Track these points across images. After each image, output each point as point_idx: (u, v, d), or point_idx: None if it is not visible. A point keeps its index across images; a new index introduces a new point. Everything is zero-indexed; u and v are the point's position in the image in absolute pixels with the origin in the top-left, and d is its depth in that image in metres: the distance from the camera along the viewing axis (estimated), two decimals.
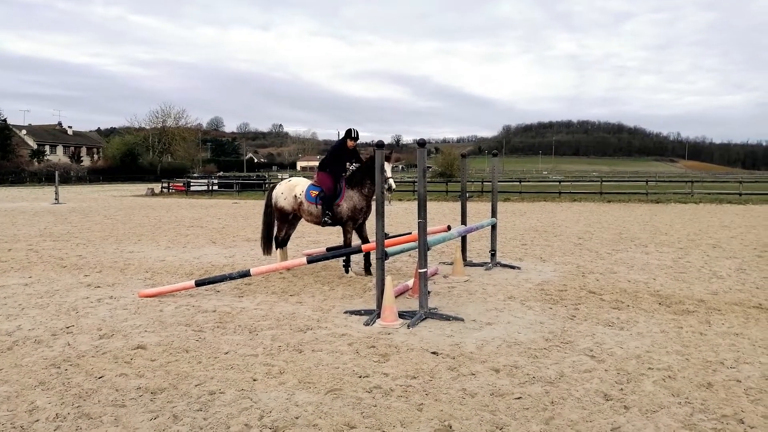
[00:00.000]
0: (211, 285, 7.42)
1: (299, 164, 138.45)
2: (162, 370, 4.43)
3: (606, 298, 6.85)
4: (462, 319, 5.81)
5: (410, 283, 7.22)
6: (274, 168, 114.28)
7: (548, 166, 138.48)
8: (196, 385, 4.11)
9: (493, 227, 9.23)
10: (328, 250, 9.15)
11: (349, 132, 8.56)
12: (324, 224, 8.39)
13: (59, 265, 9.44)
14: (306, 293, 7.22)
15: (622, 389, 4.02)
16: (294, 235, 11.03)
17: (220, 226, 16.45)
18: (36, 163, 73.17)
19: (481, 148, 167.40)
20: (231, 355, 4.81)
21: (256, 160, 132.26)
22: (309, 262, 7.57)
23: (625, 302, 6.63)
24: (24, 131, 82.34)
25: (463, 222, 9.19)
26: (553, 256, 10.16)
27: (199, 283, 7.23)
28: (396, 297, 6.10)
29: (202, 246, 12.01)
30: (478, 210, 19.75)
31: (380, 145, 6.24)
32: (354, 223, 8.37)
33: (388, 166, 7.49)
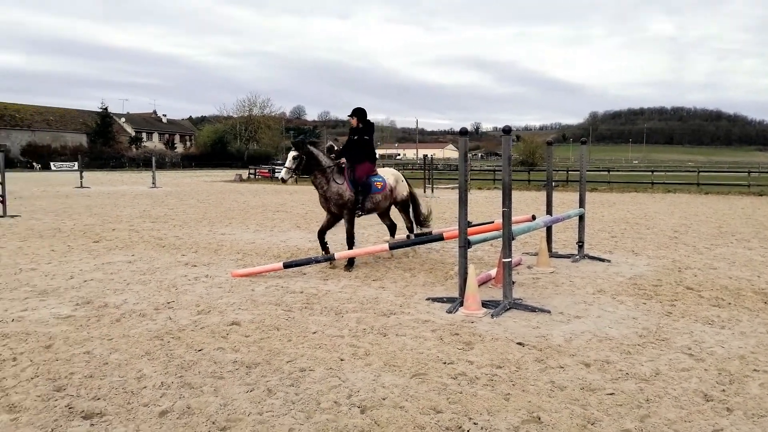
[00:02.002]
0: (297, 267, 7.67)
1: (378, 152, 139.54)
2: (255, 346, 4.65)
3: (705, 294, 6.46)
4: (548, 311, 5.68)
5: (493, 272, 7.13)
6: None
7: (638, 155, 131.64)
8: (287, 362, 4.29)
9: (581, 218, 8.92)
10: (409, 237, 9.22)
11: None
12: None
13: (159, 245, 10.09)
14: (388, 279, 7.31)
15: (724, 390, 3.79)
16: (368, 223, 11.18)
17: (304, 211, 16.92)
18: (134, 150, 78.29)
19: (565, 135, 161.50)
20: (319, 335, 4.97)
21: (336, 148, 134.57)
22: (391, 248, 7.66)
23: (726, 300, 6.22)
24: (123, 119, 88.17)
25: (549, 212, 8.94)
26: (646, 250, 9.69)
27: (286, 265, 7.50)
28: (479, 286, 6.04)
29: (287, 230, 12.42)
30: (563, 200, 19.15)
31: (464, 132, 6.18)
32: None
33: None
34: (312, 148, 8.23)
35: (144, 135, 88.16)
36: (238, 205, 18.83)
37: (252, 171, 44.48)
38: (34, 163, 65.99)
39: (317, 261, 7.64)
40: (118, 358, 4.38)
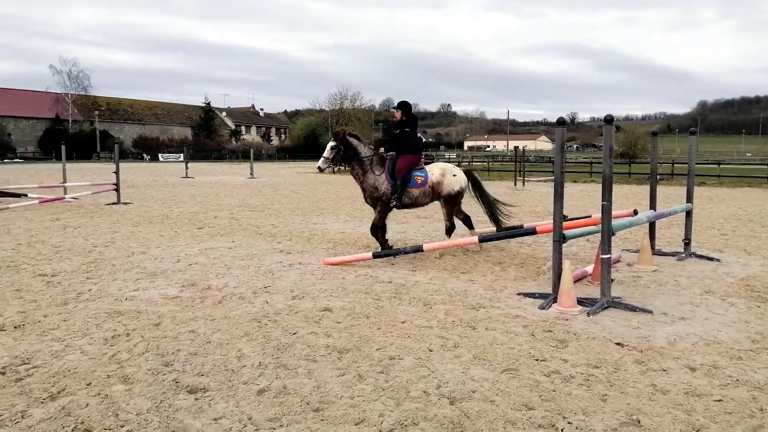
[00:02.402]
0: (386, 258, 7.76)
1: (466, 144, 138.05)
2: (347, 332, 4.76)
3: None
4: (650, 311, 5.37)
5: (589, 269, 6.84)
6: (441, 148, 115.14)
7: (753, 147, 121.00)
8: (377, 349, 4.35)
9: (688, 213, 8.34)
10: (499, 230, 9.04)
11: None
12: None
13: (256, 233, 10.56)
14: (477, 272, 7.22)
15: None
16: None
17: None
18: (233, 142, 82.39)
19: (670, 126, 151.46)
20: (407, 324, 5.00)
21: (424, 140, 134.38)
22: (481, 241, 7.54)
23: None
24: (224, 113, 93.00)
25: (652, 206, 8.43)
26: (761, 249, 8.91)
27: (376, 255, 7.61)
28: (574, 283, 5.82)
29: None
30: (668, 194, 18.01)
31: (561, 121, 5.95)
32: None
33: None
34: (351, 139, 8.27)
35: (243, 128, 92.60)
36: (329, 196, 19.32)
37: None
38: (144, 154, 71.22)
39: (405, 252, 7.68)
40: (219, 337, 4.64)
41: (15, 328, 4.87)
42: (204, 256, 8.16)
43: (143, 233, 10.43)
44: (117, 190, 16.12)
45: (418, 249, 7.47)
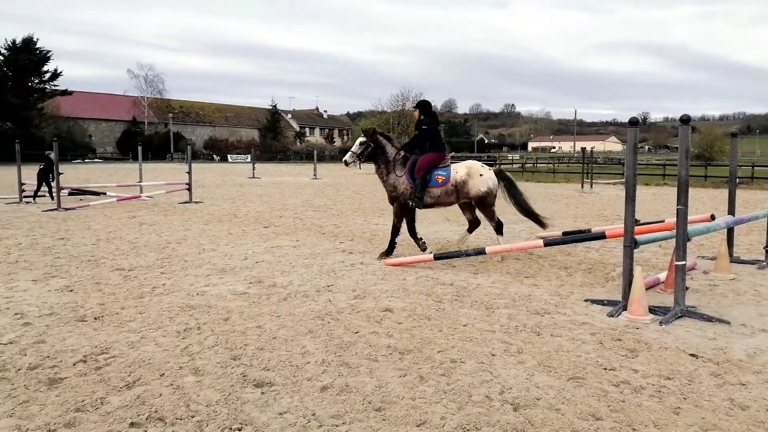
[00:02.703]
0: (447, 260, 7.70)
1: (531, 145, 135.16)
2: (408, 333, 4.76)
3: None
4: (728, 322, 5.08)
5: (662, 276, 6.55)
6: (505, 149, 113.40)
7: None
8: (438, 352, 4.34)
9: None
10: (565, 234, 8.80)
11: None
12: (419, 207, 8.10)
13: (319, 232, 10.75)
14: (542, 276, 7.06)
15: None
16: (519, 218, 10.78)
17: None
18: (298, 143, 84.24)
19: (751, 126, 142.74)
20: (469, 328, 4.95)
21: (486, 141, 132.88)
22: (546, 245, 7.36)
23: None
24: (289, 115, 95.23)
25: (731, 212, 7.98)
26: None
27: (437, 257, 7.57)
28: (645, 290, 5.59)
29: (436, 222, 12.52)
30: (747, 199, 17.01)
31: (634, 122, 5.73)
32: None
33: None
34: (381, 138, 8.26)
35: (307, 130, 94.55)
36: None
37: None
38: (214, 155, 73.94)
39: (467, 254, 7.61)
40: (285, 333, 4.75)
41: (95, 319, 5.17)
42: (270, 254, 8.37)
43: (213, 231, 10.83)
44: (189, 189, 16.81)
45: (480, 252, 7.38)
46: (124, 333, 4.76)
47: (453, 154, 73.47)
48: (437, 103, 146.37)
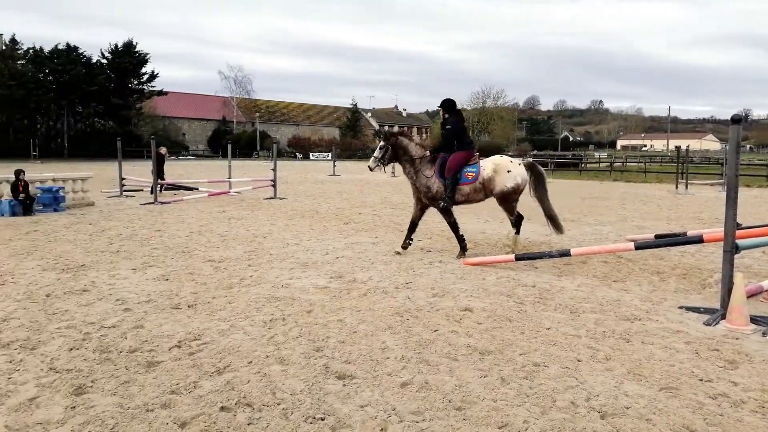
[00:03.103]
0: (529, 261, 7.52)
1: (619, 143, 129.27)
2: (488, 334, 4.69)
3: None
4: None
5: (765, 284, 6.07)
6: (591, 147, 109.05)
7: None
8: (520, 354, 4.24)
9: None
10: (657, 237, 8.36)
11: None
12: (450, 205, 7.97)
13: (397, 229, 10.81)
14: (632, 281, 6.73)
15: None
16: (607, 219, 10.28)
17: (535, 204, 16.49)
18: (377, 141, 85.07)
19: None
20: (553, 331, 4.81)
21: (571, 139, 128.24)
22: (637, 248, 7.02)
23: None
24: (369, 114, 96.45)
25: None
26: None
27: (518, 258, 7.41)
28: (747, 298, 5.20)
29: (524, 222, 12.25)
30: None
31: (736, 119, 5.35)
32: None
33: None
34: (401, 139, 8.19)
35: (386, 128, 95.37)
36: None
37: None
38: (297, 153, 76.17)
39: (550, 256, 7.39)
40: (365, 328, 4.82)
41: (188, 307, 5.46)
42: (350, 250, 8.52)
43: (296, 226, 11.16)
44: (274, 186, 17.42)
45: (564, 253, 7.15)
46: (215, 321, 5.00)
47: (534, 152, 71.71)
48: (519, 100, 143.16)
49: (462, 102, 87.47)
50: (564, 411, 3.34)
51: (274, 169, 17.56)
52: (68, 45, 54.96)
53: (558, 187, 24.66)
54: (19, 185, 12.37)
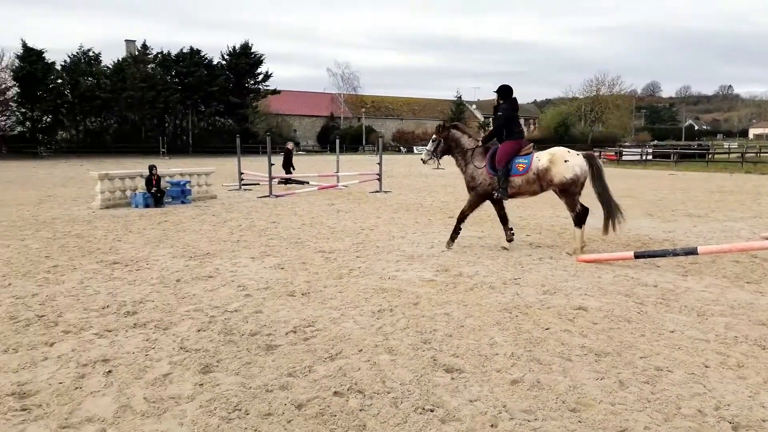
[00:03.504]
0: (650, 259, 7.06)
1: (752, 132, 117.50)
2: (604, 335, 4.48)
3: None
4: None
5: None
6: (719, 136, 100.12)
7: None
8: (640, 357, 4.01)
9: None
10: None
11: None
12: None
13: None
14: None
15: None
16: (741, 215, 9.33)
17: (656, 198, 15.46)
18: (482, 134, 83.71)
19: None
20: (677, 334, 4.49)
21: (696, 128, 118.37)
22: None
23: None
24: (474, 106, 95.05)
25: None
26: None
27: (638, 255, 6.98)
28: None
29: (636, 217, 11.54)
30: None
31: None
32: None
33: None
34: (453, 131, 8.16)
35: (491, 120, 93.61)
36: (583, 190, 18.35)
37: (597, 154, 42.72)
38: (401, 147, 76.86)
39: (675, 254, 6.88)
40: (472, 323, 4.78)
41: (302, 294, 5.71)
42: (455, 244, 8.47)
43: (401, 219, 11.28)
44: (379, 180, 17.72)
45: (691, 252, 6.64)
46: (327, 309, 5.19)
47: (655, 142, 67.00)
48: (636, 87, 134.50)
49: (574, 90, 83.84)
50: (690, 419, 3.11)
51: (380, 163, 17.85)
52: (192, 48, 59.19)
53: (682, 179, 22.92)
54: (152, 179, 13.56)
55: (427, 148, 8.36)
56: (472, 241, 8.79)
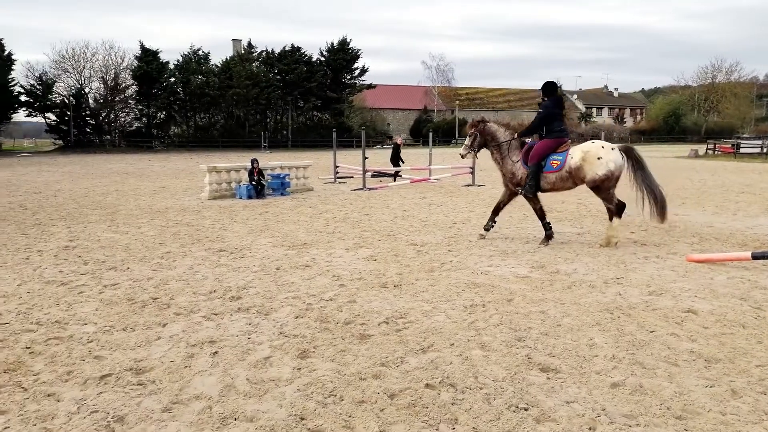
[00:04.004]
0: None
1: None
2: (715, 340, 4.17)
3: None
4: None
5: None
6: None
7: None
8: (757, 366, 3.70)
9: None
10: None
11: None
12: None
13: (607, 220, 10.09)
14: None
15: None
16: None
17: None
18: (583, 125, 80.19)
19: None
20: None
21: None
22: None
23: None
24: (575, 96, 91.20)
25: None
26: None
27: (756, 256, 6.41)
28: None
29: (756, 215, 10.62)
30: None
31: None
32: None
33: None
34: (488, 124, 8.21)
35: (594, 110, 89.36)
36: (691, 184, 17.13)
37: (710, 146, 39.68)
38: None
39: None
40: (569, 322, 4.62)
41: (394, 286, 5.78)
42: (552, 241, 8.20)
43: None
44: (472, 173, 17.51)
45: None
46: (419, 302, 5.22)
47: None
48: (758, 73, 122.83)
49: (687, 77, 78.08)
50: None
51: (474, 157, 17.59)
52: (292, 46, 61.34)
53: None
54: (254, 172, 14.26)
55: (465, 142, 8.40)
56: (571, 237, 8.47)
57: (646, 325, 4.52)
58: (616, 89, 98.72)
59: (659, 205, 7.54)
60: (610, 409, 3.14)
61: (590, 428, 2.96)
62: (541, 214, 8.05)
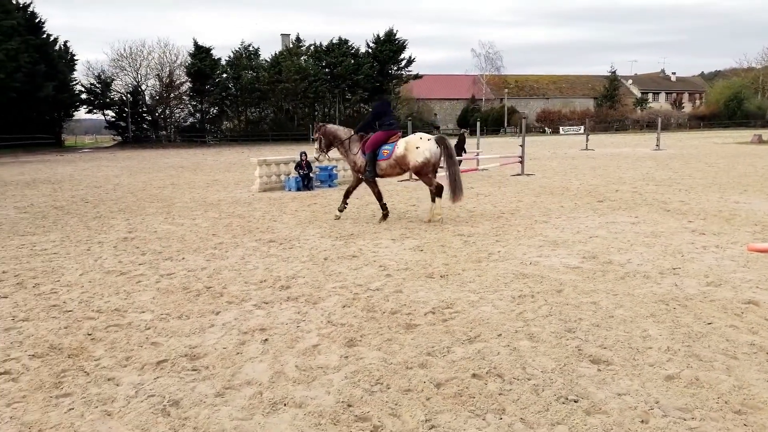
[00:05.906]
0: None
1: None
2: None
3: None
4: None
5: None
6: None
7: None
8: None
9: None
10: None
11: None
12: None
13: (662, 209, 9.75)
14: None
15: None
16: None
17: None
18: (638, 111, 77.48)
19: None
20: None
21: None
22: None
23: None
24: (630, 81, 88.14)
25: None
26: None
27: None
28: None
29: None
30: None
31: None
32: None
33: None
34: (328, 126, 9.58)
35: (650, 96, 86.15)
36: (755, 171, 16.29)
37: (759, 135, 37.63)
38: (546, 128, 73.75)
39: None
40: (622, 313, 4.49)
41: (441, 277, 5.76)
42: (605, 230, 7.99)
43: (544, 203, 10.87)
44: (521, 162, 17.21)
45: None
46: (465, 292, 5.19)
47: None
48: None
49: (750, 59, 74.08)
50: None
51: (522, 145, 17.30)
52: (340, 39, 61.71)
53: None
54: (302, 164, 14.46)
55: (314, 146, 9.69)
56: (625, 227, 8.22)
57: (704, 316, 4.35)
58: (674, 73, 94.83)
59: (457, 187, 8.68)
60: (663, 402, 3.05)
61: (643, 421, 2.88)
62: (378, 197, 9.28)
